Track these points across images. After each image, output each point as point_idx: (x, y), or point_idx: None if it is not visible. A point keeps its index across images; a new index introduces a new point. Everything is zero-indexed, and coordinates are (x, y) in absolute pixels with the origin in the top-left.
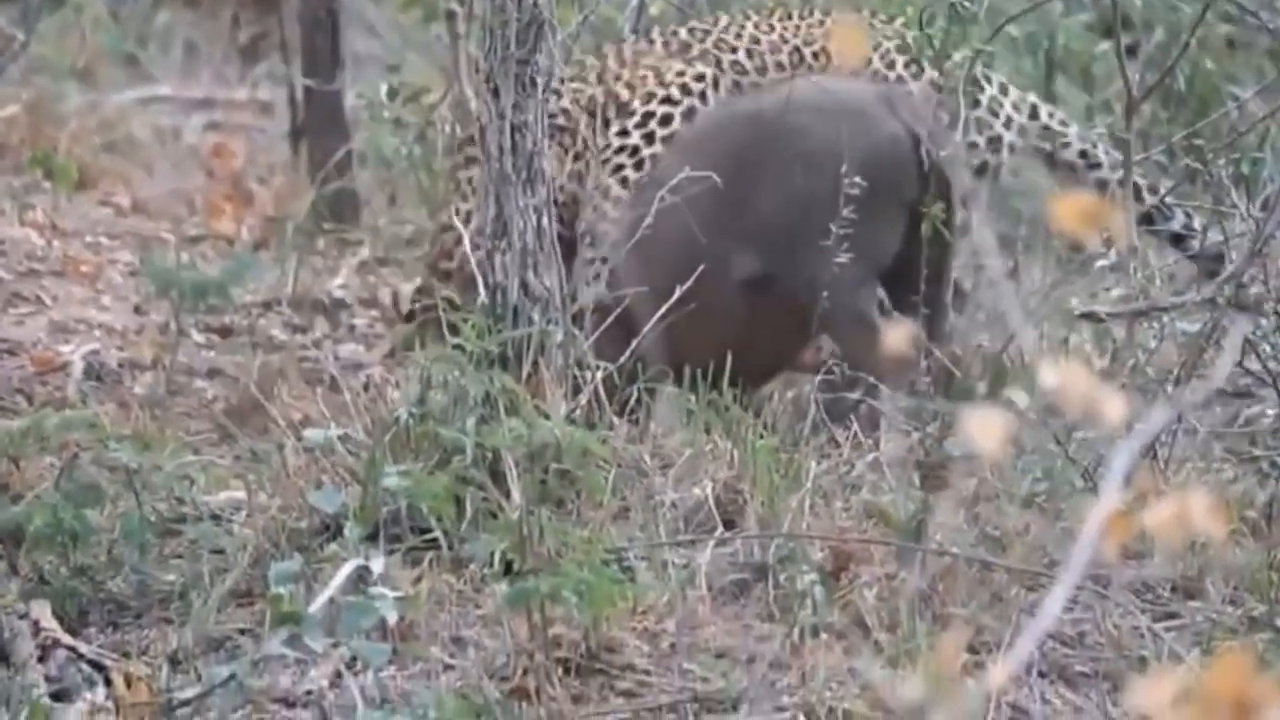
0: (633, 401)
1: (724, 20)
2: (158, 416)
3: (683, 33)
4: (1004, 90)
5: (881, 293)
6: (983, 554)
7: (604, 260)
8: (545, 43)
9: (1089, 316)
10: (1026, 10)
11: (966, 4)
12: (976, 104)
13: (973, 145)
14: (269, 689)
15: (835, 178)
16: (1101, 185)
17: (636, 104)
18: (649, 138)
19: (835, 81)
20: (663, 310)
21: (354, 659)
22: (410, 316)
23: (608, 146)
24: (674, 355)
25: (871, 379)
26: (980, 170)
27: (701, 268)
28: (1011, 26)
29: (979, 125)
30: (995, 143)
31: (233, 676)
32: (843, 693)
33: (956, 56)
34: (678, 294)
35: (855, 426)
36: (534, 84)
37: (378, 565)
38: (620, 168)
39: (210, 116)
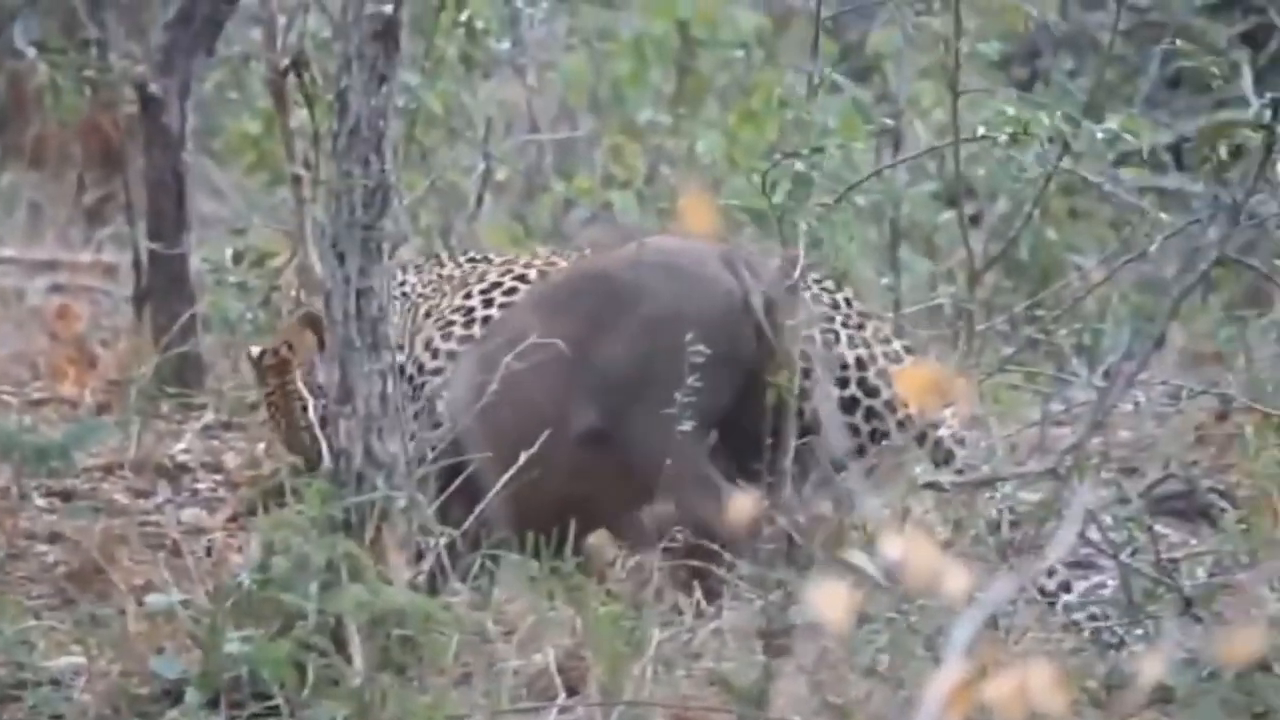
0: (476, 568)
1: None
2: None
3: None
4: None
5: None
6: None
7: (438, 419)
8: (391, 207)
9: (932, 486)
10: (867, 178)
11: (810, 171)
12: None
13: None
14: None
15: (670, 336)
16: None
17: (493, 276)
18: (488, 303)
19: (678, 242)
20: (509, 474)
21: None
22: (259, 361)
23: (449, 306)
24: (518, 516)
25: (715, 545)
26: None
27: (543, 423)
28: (858, 195)
29: (868, 414)
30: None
31: None
32: None
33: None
34: (524, 457)
35: (698, 594)
36: (379, 250)
37: None
38: (450, 324)
39: (54, 279)
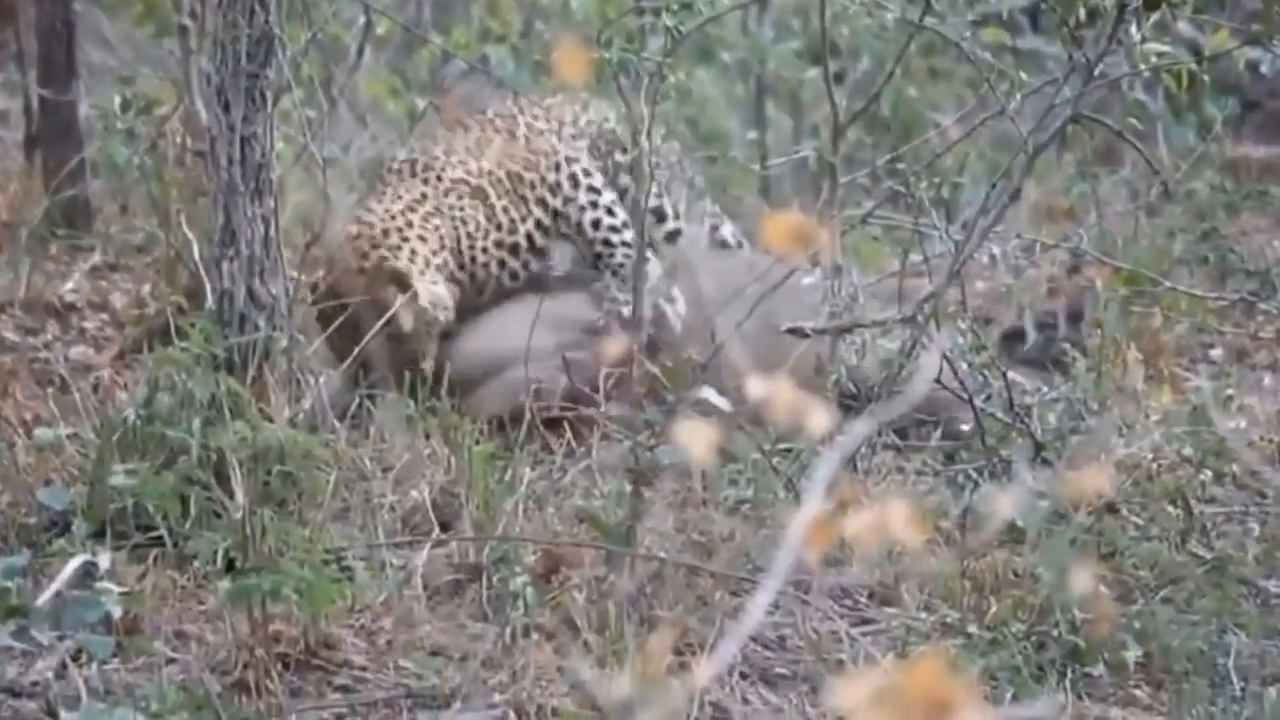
0: (355, 407)
1: None
2: None
3: None
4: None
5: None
6: (689, 559)
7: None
8: (275, 58)
9: (795, 332)
10: (708, 19)
11: (680, 29)
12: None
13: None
14: None
15: None
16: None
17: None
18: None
19: None
20: (379, 325)
21: (79, 651)
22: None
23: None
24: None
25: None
26: None
27: None
28: (725, 52)
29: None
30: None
31: None
32: (552, 691)
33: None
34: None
35: (569, 434)
36: (263, 97)
37: (104, 561)
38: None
39: None
